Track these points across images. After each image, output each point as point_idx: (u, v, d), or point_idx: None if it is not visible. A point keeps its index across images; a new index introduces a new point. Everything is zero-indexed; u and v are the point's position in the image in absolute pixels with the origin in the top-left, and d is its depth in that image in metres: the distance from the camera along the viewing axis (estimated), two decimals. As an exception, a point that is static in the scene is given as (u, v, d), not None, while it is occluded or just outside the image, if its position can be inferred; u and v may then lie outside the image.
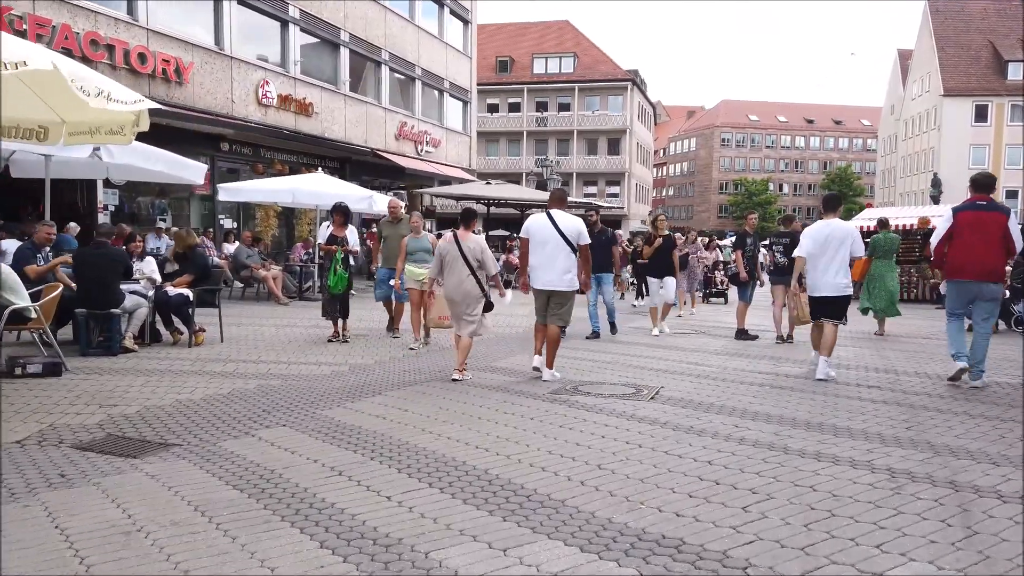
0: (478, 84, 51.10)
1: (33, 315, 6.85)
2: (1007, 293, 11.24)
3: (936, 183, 45.10)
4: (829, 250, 7.24)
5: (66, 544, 3.07)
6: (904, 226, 19.42)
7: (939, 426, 5.33)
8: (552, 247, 6.86)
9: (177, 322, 8.79)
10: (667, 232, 11.18)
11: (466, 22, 31.74)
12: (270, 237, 20.28)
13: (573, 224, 6.97)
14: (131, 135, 7.10)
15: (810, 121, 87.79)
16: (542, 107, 55.37)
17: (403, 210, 9.86)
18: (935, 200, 37.59)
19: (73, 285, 8.00)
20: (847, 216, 31.20)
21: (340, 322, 9.24)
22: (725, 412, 5.72)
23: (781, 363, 8.38)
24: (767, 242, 10.90)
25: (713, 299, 18.15)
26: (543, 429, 5.09)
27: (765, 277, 11.62)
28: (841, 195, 8.80)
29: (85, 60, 14.16)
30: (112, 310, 7.77)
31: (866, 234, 11.72)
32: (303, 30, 20.86)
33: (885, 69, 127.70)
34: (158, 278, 9.05)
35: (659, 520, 3.40)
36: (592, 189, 55.08)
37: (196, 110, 16.70)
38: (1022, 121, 48.66)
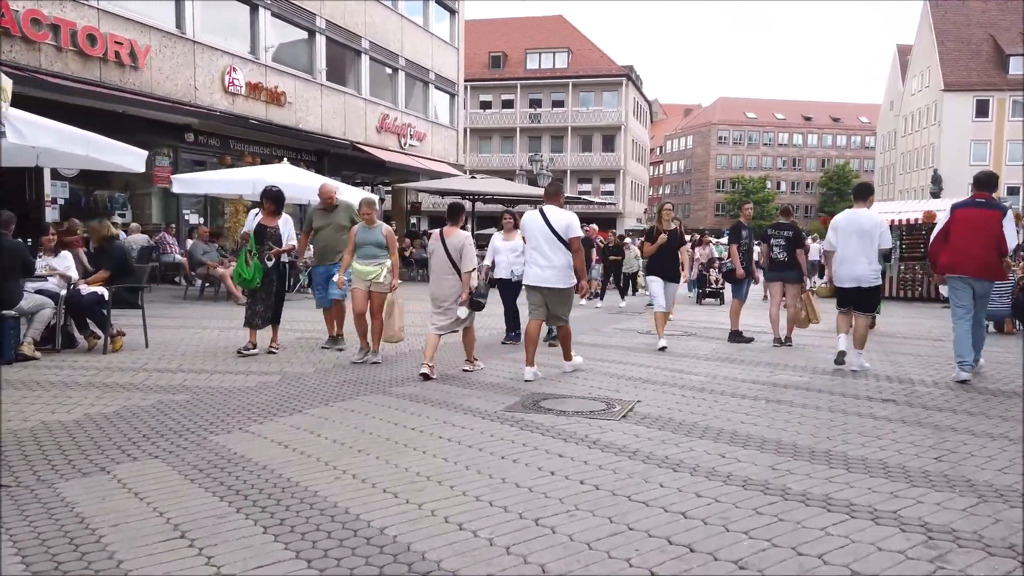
0: (471, 80, 50.41)
1: None
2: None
3: (936, 180, 44.11)
4: (861, 240, 7.24)
5: None
6: (908, 220, 18.42)
7: (975, 455, 4.29)
8: (545, 243, 6.71)
9: (94, 325, 7.73)
10: (674, 227, 8.98)
11: (453, 12, 30.65)
12: (240, 233, 19.18)
13: (564, 219, 6.75)
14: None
15: (808, 118, 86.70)
16: (536, 103, 54.21)
17: (338, 196, 8.37)
18: (935, 197, 36.59)
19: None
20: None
21: (265, 328, 7.68)
22: (710, 435, 4.68)
23: (778, 370, 7.35)
24: (764, 235, 9.79)
25: (707, 300, 17.05)
26: (479, 462, 4.05)
27: (759, 273, 10.61)
28: (871, 185, 8.13)
29: (25, 40, 13.11)
30: (4, 311, 6.71)
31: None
32: (275, 15, 19.77)
33: (884, 66, 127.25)
34: (73, 275, 8.00)
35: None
36: (586, 187, 53.96)
37: (155, 97, 15.64)
38: (1023, 116, 47.67)
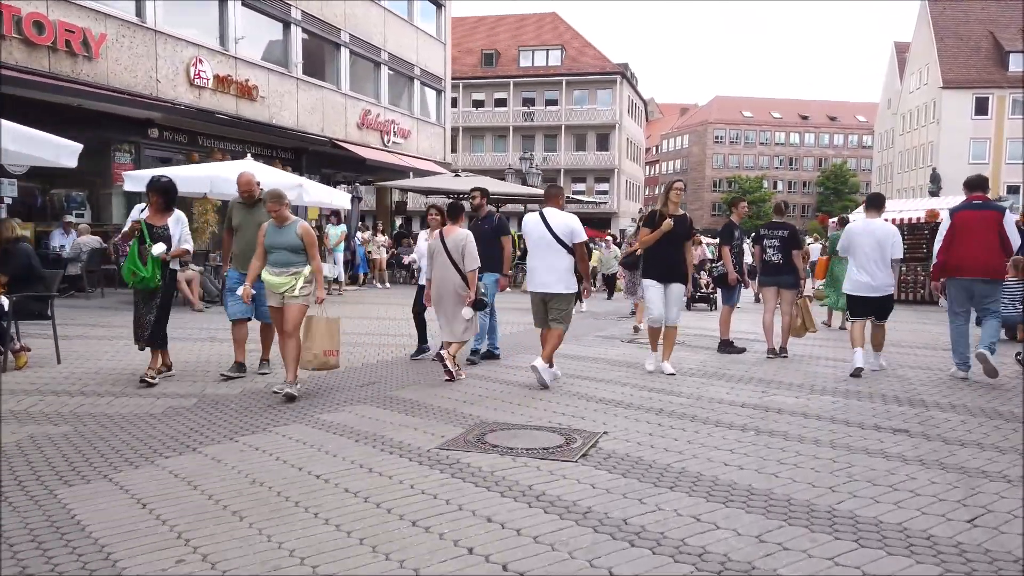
0: (463, 78, 49.49)
1: None
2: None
3: (935, 179, 43.33)
4: (874, 249, 7.19)
5: None
6: (909, 220, 17.53)
7: (1018, 515, 3.39)
8: (545, 248, 6.48)
9: (-4, 339, 6.79)
10: (683, 212, 7.32)
11: (440, 6, 29.71)
12: (208, 235, 18.24)
13: (565, 222, 6.51)
14: None
15: (805, 117, 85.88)
16: (529, 102, 53.27)
17: (260, 188, 6.80)
18: (934, 195, 35.77)
19: None
20: (842, 213, 29.38)
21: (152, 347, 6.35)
22: (685, 484, 3.77)
23: (772, 389, 6.44)
24: (756, 235, 8.86)
25: (697, 304, 15.99)
26: (380, 533, 3.13)
27: (750, 280, 9.73)
28: (884, 196, 7.94)
29: (-38, 26, 12.17)
30: None
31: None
32: (246, 4, 18.82)
33: (881, 64, 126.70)
34: (-24, 282, 7.05)
35: None
36: (580, 186, 53.06)
37: (111, 89, 14.70)
38: (1023, 114, 46.85)
